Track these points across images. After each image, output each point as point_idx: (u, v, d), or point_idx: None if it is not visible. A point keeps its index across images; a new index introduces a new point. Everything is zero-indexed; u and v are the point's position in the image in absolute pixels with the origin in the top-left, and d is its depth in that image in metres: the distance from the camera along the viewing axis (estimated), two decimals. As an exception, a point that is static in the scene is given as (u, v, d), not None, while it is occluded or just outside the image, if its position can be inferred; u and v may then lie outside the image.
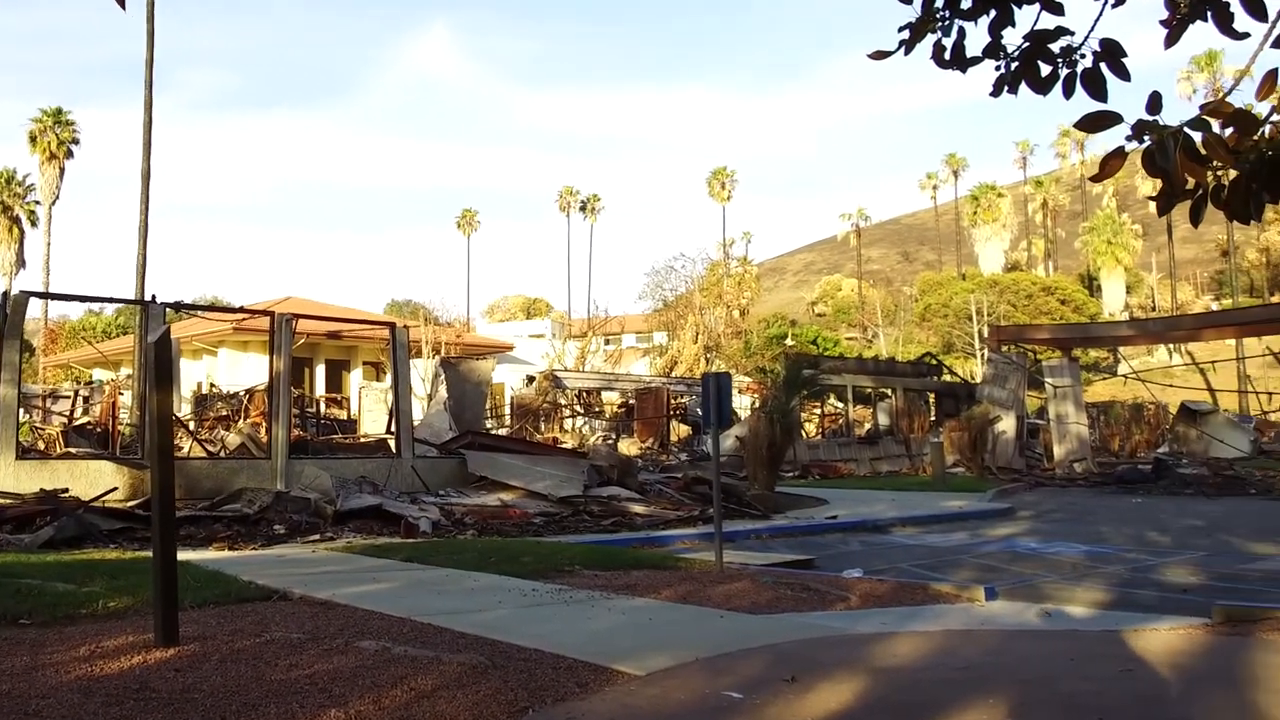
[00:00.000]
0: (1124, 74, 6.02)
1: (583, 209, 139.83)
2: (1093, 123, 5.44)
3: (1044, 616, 12.24)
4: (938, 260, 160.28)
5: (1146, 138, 5.40)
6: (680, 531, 22.00)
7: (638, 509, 24.62)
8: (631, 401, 59.41)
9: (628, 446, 47.84)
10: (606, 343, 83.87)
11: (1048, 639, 10.70)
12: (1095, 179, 6.14)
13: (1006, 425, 44.23)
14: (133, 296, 41.54)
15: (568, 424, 57.12)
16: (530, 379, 61.04)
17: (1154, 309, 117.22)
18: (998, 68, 6.20)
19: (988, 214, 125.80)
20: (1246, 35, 6.04)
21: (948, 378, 59.29)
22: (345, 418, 53.13)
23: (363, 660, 8.66)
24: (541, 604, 11.90)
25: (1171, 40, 6.14)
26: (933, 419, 51.27)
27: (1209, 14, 5.94)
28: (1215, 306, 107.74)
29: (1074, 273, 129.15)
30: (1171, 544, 21.50)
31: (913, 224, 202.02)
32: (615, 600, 12.18)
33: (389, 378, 33.74)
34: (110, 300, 30.35)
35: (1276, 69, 5.73)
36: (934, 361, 60.26)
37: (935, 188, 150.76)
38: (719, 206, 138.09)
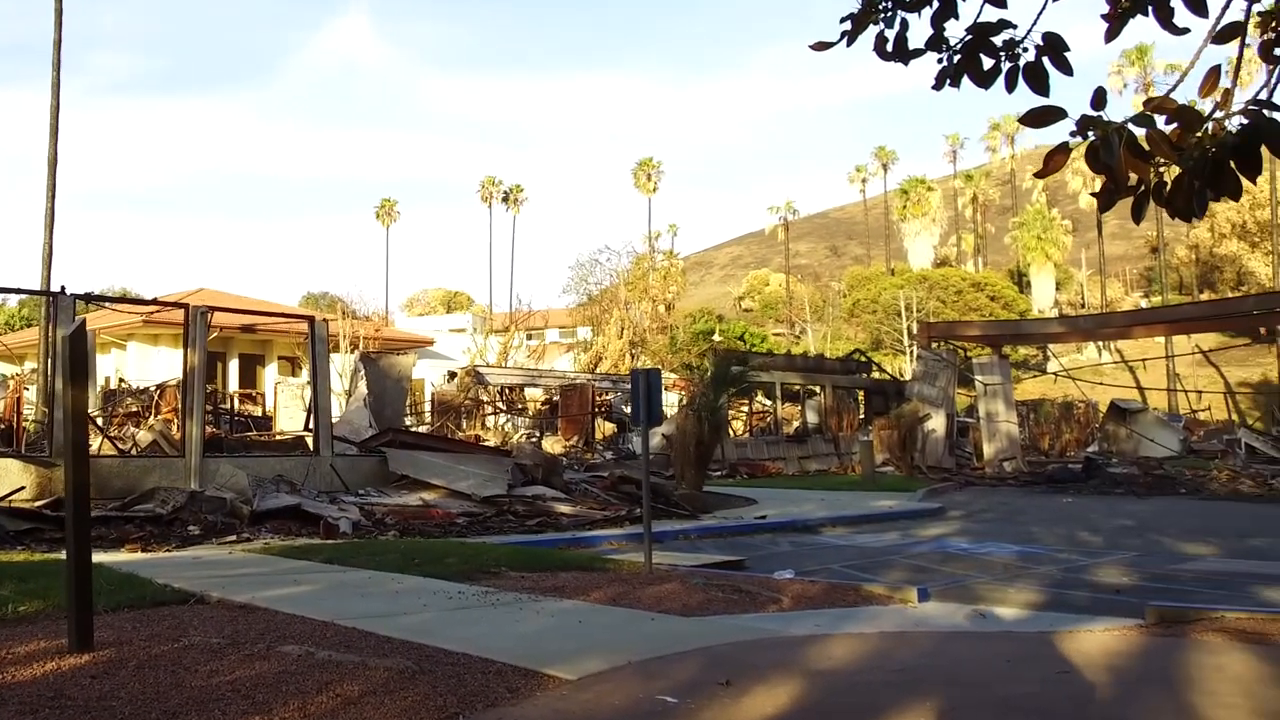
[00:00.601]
0: (1066, 68, 6.08)
1: (505, 200, 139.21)
2: (1037, 118, 5.49)
3: (977, 618, 12.36)
4: (866, 255, 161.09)
5: (1090, 133, 5.45)
6: (607, 532, 22.01)
7: (563, 509, 24.60)
8: (556, 398, 59.32)
9: (552, 444, 47.79)
10: (529, 338, 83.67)
11: (982, 641, 10.80)
12: (1039, 175, 6.20)
13: (936, 423, 44.54)
14: (39, 287, 40.99)
15: (490, 421, 56.95)
16: (452, 375, 60.77)
17: (1084, 306, 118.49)
18: (940, 60, 6.25)
19: (917, 208, 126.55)
20: (1187, 30, 6.12)
21: (877, 375, 59.70)
22: (260, 414, 52.68)
23: (286, 666, 8.59)
24: (468, 606, 11.87)
25: (1112, 34, 6.21)
26: (862, 417, 51.59)
27: (1150, 9, 6.01)
28: (1145, 304, 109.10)
29: (1004, 269, 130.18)
30: (1103, 544, 21.77)
31: (841, 218, 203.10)
32: (544, 602, 12.16)
33: (306, 373, 33.49)
34: (15, 291, 29.94)
35: (1219, 65, 5.80)
36: (863, 358, 60.63)
37: (864, 181, 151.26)
38: (645, 198, 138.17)
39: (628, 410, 56.93)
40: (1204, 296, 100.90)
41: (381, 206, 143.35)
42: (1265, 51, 6.19)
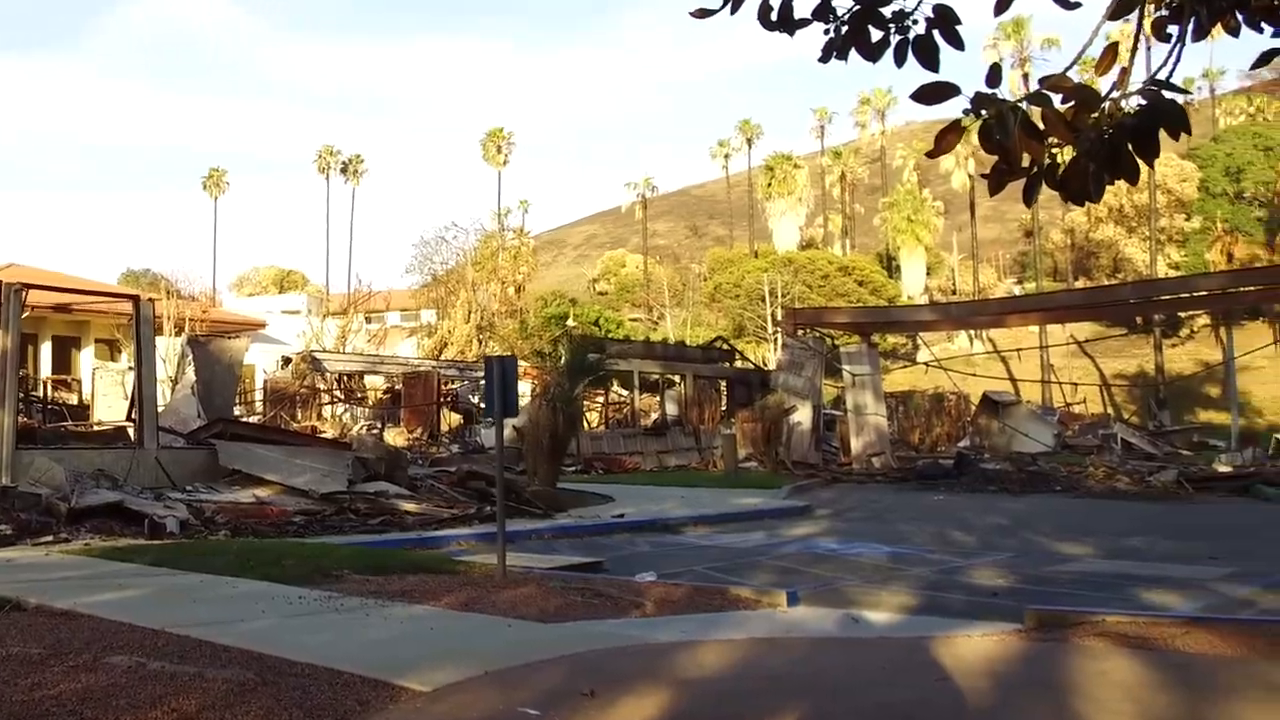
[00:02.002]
0: (957, 42, 6.12)
1: (344, 171, 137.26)
2: (930, 94, 5.52)
3: (850, 623, 12.47)
4: (729, 236, 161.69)
5: (984, 112, 5.50)
6: (456, 531, 21.88)
7: (408, 507, 24.42)
8: (398, 387, 58.90)
9: (395, 437, 47.45)
10: (369, 321, 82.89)
11: (857, 647, 10.91)
12: (931, 155, 6.23)
13: (802, 416, 44.81)
14: None
15: (327, 411, 56.38)
16: (286, 361, 60.05)
17: (955, 292, 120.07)
18: (826, 32, 6.26)
19: (783, 186, 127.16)
20: (1079, 5, 6.21)
21: (740, 364, 60.02)
22: (76, 403, 51.61)
23: (115, 678, 8.41)
24: (311, 613, 11.74)
25: (1002, 7, 6.26)
26: (724, 409, 51.81)
27: (1043, -19, 6.10)
28: (1018, 290, 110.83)
29: (873, 252, 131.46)
30: (977, 544, 22.09)
31: (703, 196, 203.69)
32: (391, 608, 12.06)
33: (127, 357, 32.83)
34: None
35: (1116, 43, 5.89)
36: (725, 346, 60.93)
37: (727, 156, 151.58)
38: (495, 172, 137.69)
39: (475, 400, 56.71)
40: (1079, 283, 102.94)
41: (209, 177, 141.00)
42: (1159, 29, 6.29)
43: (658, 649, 10.18)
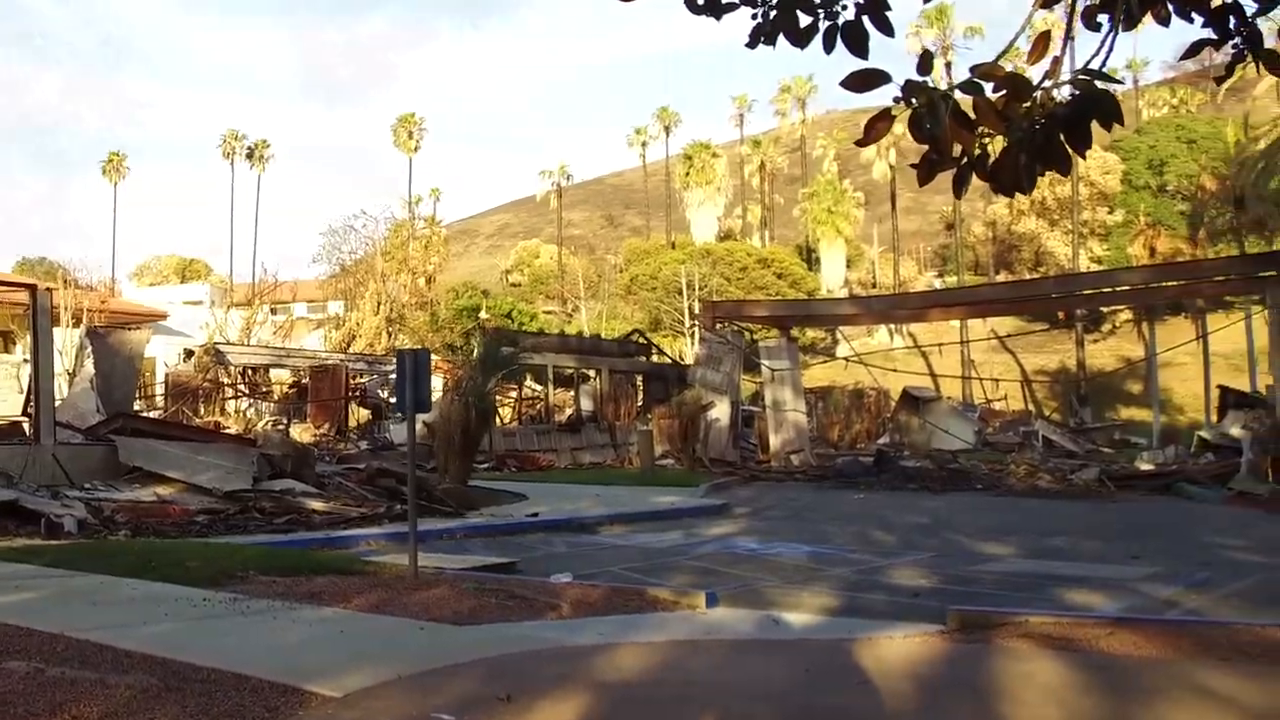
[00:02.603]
0: (887, 28, 6.12)
1: (249, 157, 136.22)
2: (861, 81, 5.52)
3: (770, 624, 12.48)
4: (646, 226, 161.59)
5: (915, 100, 5.50)
6: (365, 531, 21.74)
7: (316, 505, 24.24)
8: (305, 381, 58.48)
9: (301, 433, 47.14)
10: (275, 312, 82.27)
11: (778, 650, 10.92)
12: (860, 143, 6.24)
13: (720, 412, 44.79)
14: None
15: (231, 406, 55.87)
16: (189, 353, 59.46)
17: (875, 285, 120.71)
18: (754, 16, 6.24)
19: (701, 175, 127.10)
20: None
21: (657, 358, 60.06)
22: (-33, 397, 50.90)
23: (12, 685, 8.27)
24: (216, 615, 11.60)
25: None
26: (640, 404, 51.82)
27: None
28: (939, 284, 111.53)
29: (792, 244, 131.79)
30: (898, 543, 22.20)
31: (619, 184, 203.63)
32: (300, 610, 11.94)
33: (21, 349, 32.38)
34: None
35: (1048, 32, 5.90)
36: (642, 340, 60.91)
37: (645, 144, 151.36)
38: (406, 158, 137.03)
39: (385, 395, 56.45)
40: (1001, 277, 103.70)
41: (109, 161, 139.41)
42: (1089, 18, 6.32)
43: (575, 652, 10.15)
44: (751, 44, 6.25)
